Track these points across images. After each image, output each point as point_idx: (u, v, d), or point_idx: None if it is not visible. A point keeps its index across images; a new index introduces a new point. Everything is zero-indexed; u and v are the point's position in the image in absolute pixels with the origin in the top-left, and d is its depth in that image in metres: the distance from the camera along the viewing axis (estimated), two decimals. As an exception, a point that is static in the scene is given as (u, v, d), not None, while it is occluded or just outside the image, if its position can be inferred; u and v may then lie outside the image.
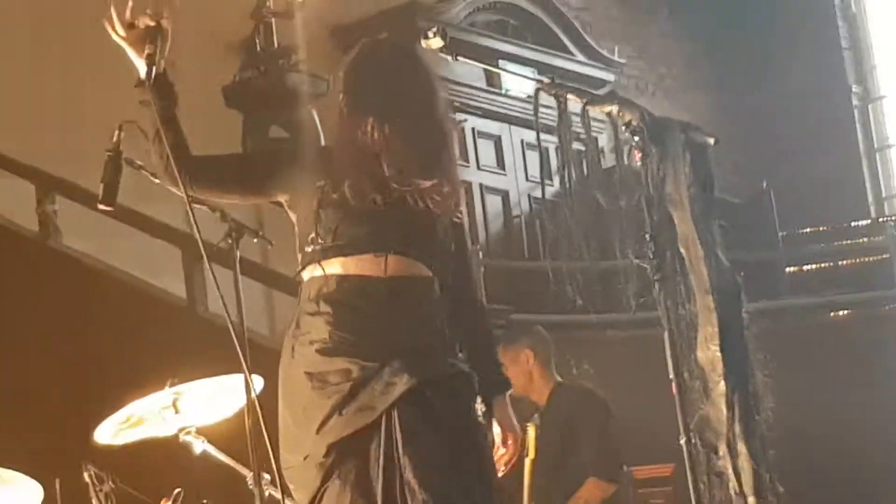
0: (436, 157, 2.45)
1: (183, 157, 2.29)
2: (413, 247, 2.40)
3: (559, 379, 4.92)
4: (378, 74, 2.47)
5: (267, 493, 2.80)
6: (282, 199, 2.46)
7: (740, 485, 2.73)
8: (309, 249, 2.36)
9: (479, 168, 7.32)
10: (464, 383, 2.43)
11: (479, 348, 2.62)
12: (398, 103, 2.42)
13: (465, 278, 2.63)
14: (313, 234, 2.34)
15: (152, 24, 2.27)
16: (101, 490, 3.24)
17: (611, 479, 4.73)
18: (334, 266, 2.35)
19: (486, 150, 7.44)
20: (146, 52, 2.24)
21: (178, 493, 3.13)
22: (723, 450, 2.86)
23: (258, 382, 2.68)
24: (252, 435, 2.71)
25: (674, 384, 2.63)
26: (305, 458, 2.35)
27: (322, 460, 2.33)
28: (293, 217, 2.45)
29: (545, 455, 4.55)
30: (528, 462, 4.49)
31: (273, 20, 6.84)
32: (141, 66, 2.30)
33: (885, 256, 8.55)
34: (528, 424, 4.33)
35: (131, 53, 2.31)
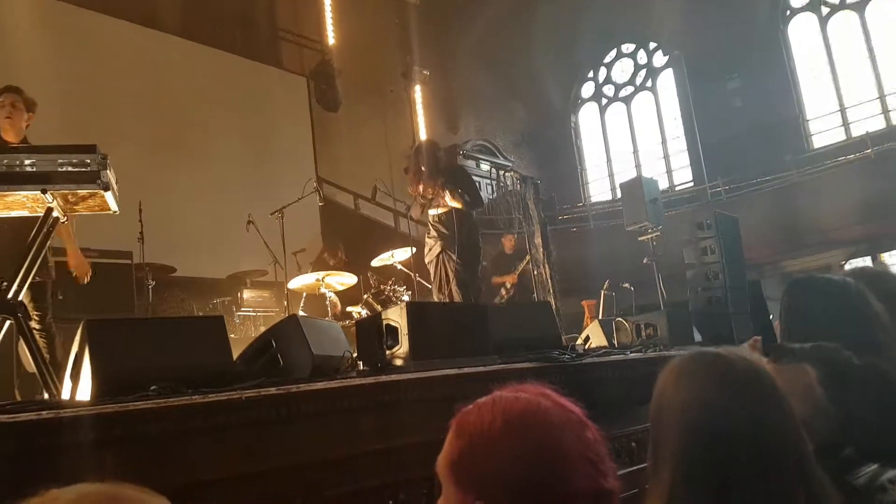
0: (461, 184, 4.87)
1: None
2: (463, 200, 4.66)
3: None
4: (444, 159, 5.07)
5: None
6: None
7: (548, 269, 6.13)
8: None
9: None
10: (470, 243, 4.69)
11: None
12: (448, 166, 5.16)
13: (475, 205, 4.77)
14: None
15: None
16: (372, 278, 5.84)
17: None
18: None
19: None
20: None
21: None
22: (542, 269, 6.34)
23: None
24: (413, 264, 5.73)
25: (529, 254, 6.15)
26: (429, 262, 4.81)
27: (429, 262, 4.80)
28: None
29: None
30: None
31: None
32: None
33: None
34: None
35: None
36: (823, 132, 11.22)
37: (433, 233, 4.74)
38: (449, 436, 0.94)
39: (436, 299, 4.73)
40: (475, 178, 11.53)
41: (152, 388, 1.63)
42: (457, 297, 4.52)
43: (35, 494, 0.59)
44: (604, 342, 4.19)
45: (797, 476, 1.03)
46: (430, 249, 4.73)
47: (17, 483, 1.24)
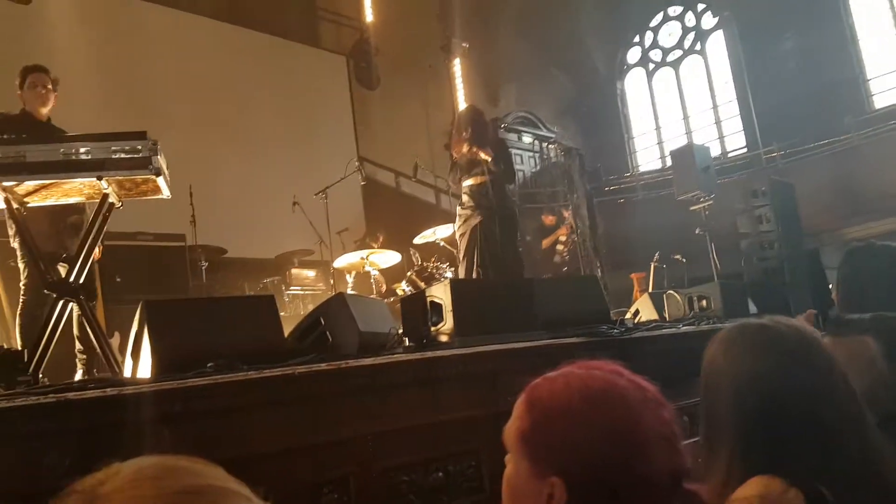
0: (499, 152, 4.66)
1: None
2: (496, 168, 4.55)
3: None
4: (489, 127, 4.84)
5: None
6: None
7: (594, 242, 5.98)
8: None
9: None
10: (508, 214, 4.58)
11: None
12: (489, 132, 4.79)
13: (508, 178, 4.74)
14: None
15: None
16: (415, 255, 5.85)
17: None
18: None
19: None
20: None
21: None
22: (589, 243, 6.22)
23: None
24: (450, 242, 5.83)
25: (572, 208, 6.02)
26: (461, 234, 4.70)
27: (462, 234, 4.71)
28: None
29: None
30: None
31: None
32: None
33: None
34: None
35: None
36: (886, 91, 10.60)
37: (469, 203, 4.66)
38: (518, 409, 0.93)
39: (462, 272, 4.64)
40: (517, 150, 11.49)
41: (209, 364, 1.69)
42: (491, 270, 4.42)
43: (98, 468, 0.62)
44: (654, 316, 4.11)
45: (856, 446, 1.00)
46: (465, 220, 4.64)
47: (85, 456, 1.31)
